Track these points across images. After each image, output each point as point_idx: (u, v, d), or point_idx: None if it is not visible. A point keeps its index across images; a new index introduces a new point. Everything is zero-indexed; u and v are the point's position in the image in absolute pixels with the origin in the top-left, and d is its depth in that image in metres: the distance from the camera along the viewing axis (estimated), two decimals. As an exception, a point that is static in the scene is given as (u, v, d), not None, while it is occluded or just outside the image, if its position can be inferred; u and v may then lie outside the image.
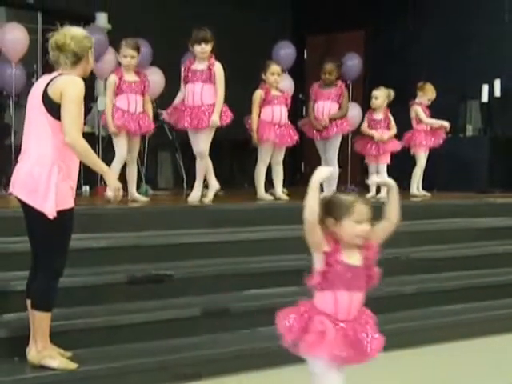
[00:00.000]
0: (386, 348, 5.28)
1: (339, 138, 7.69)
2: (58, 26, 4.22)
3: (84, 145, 4.09)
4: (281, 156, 7.36)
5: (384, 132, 7.97)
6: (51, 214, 4.02)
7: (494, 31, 9.67)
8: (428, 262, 6.49)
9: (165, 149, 9.23)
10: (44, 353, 4.23)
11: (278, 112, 7.20)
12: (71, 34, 4.17)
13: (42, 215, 4.04)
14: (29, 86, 7.22)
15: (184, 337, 4.89)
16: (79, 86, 4.09)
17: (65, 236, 4.20)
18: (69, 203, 4.14)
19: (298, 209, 6.72)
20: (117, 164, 6.53)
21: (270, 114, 7.17)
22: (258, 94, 7.19)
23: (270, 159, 7.30)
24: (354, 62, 9.74)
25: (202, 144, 6.61)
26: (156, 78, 8.26)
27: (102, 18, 8.92)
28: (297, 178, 11.11)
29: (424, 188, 8.53)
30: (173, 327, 4.92)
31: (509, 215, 7.68)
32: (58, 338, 4.36)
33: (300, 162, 11.50)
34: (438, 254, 6.61)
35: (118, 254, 5.32)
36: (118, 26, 8.68)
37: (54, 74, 4.17)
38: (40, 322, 4.20)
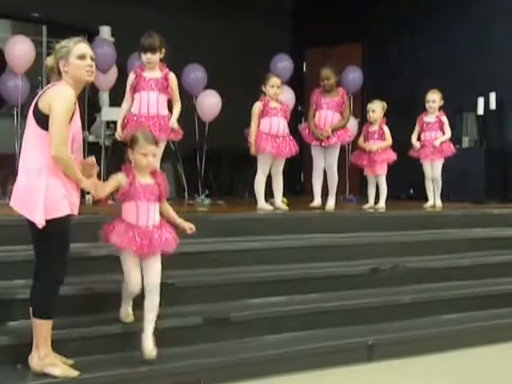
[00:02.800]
0: (383, 357, 5.40)
1: (338, 147, 7.68)
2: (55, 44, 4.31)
3: (67, 159, 4.11)
4: (280, 166, 7.40)
5: (376, 143, 8.00)
6: (40, 223, 4.08)
7: (489, 44, 9.74)
8: (425, 271, 6.51)
9: (167, 159, 9.28)
10: (46, 360, 4.26)
11: (276, 124, 7.23)
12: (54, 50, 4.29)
13: (35, 224, 4.11)
14: (33, 97, 7.32)
15: (185, 345, 4.91)
16: (66, 97, 4.11)
17: (61, 244, 4.23)
18: (62, 211, 4.15)
19: (298, 218, 6.88)
20: None
21: (268, 125, 7.22)
22: (257, 107, 7.25)
23: (269, 169, 7.36)
24: (354, 75, 9.81)
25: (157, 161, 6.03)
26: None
27: (105, 31, 8.99)
28: (296, 189, 11.19)
29: (423, 199, 8.57)
30: (174, 335, 4.93)
31: (504, 225, 7.72)
32: (59, 345, 4.39)
33: (299, 172, 11.56)
34: (435, 264, 6.63)
35: (119, 263, 5.36)
36: (121, 38, 8.75)
37: (48, 85, 4.25)
38: (41, 329, 4.23)
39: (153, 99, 6.18)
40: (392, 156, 8.04)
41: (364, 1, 10.98)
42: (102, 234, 4.68)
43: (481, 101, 9.65)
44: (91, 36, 8.27)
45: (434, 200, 8.39)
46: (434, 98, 8.30)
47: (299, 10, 11.92)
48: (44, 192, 4.08)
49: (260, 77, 7.36)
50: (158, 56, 6.21)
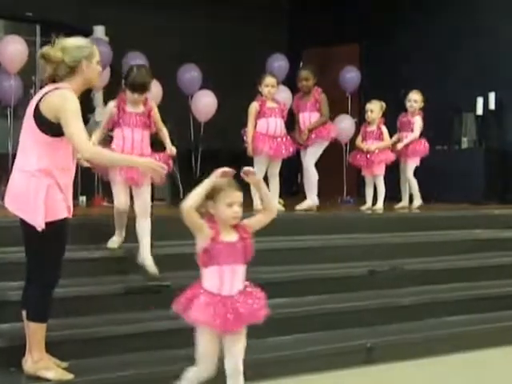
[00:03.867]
0: (382, 360, 5.35)
1: (320, 146, 7.52)
2: (54, 38, 4.21)
3: (99, 153, 4.18)
4: (277, 168, 7.35)
5: (374, 143, 7.94)
6: (40, 226, 4.04)
7: (488, 44, 9.71)
8: (423, 273, 6.47)
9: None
10: (40, 364, 4.22)
11: (274, 124, 7.19)
12: (61, 45, 4.14)
13: (31, 227, 4.06)
14: (27, 97, 7.27)
15: (181, 348, 4.77)
16: (72, 101, 4.05)
17: (56, 247, 4.19)
18: (59, 214, 4.12)
19: (296, 220, 6.81)
20: None
21: (265, 125, 7.18)
22: (253, 107, 7.21)
23: (266, 171, 7.30)
24: (352, 75, 9.81)
25: (149, 199, 5.58)
26: (154, 90, 8.27)
27: (99, 31, 8.94)
28: (293, 190, 11.12)
29: (422, 199, 8.48)
30: (170, 338, 4.88)
31: (504, 227, 7.68)
32: (54, 348, 4.35)
33: (296, 173, 11.49)
34: (434, 266, 6.60)
35: (116, 265, 5.32)
36: (115, 38, 8.70)
37: (47, 88, 4.14)
38: (34, 332, 4.19)
39: (137, 138, 5.51)
40: (390, 157, 8.00)
41: (362, 1, 10.93)
42: (178, 307, 3.96)
43: (480, 101, 9.61)
44: (85, 35, 8.21)
45: (411, 200, 8.26)
46: (415, 98, 8.20)
47: (297, 10, 11.88)
48: (44, 195, 4.04)
49: (256, 77, 7.32)
50: (147, 93, 5.59)
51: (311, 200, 7.54)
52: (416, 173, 8.22)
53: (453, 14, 10.16)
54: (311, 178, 7.54)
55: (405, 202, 8.35)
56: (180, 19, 10.44)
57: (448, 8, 10.20)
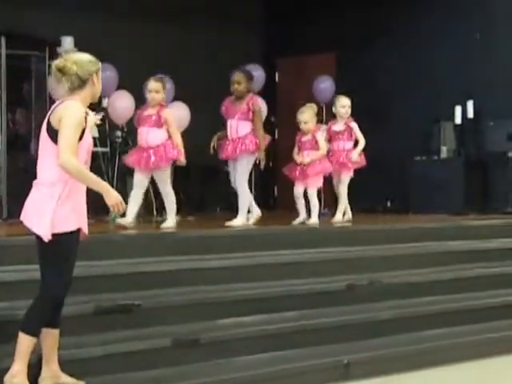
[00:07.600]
0: (361, 376, 5.24)
1: (249, 160, 7.06)
2: (62, 54, 4.27)
3: (76, 165, 4.09)
4: (159, 183, 7.00)
5: (310, 153, 7.45)
6: (46, 236, 4.08)
7: (465, 52, 9.72)
8: (403, 286, 6.40)
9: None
10: (16, 378, 4.12)
11: (144, 134, 6.87)
12: (73, 58, 4.28)
13: (40, 238, 4.12)
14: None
15: (154, 368, 4.76)
16: (77, 111, 4.15)
17: (64, 259, 4.19)
18: (69, 226, 4.16)
19: (270, 235, 6.70)
20: None
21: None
22: None
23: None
24: (326, 85, 9.77)
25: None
26: (126, 103, 8.17)
27: (67, 42, 8.82)
28: (270, 203, 11.02)
29: (400, 210, 8.36)
30: (142, 359, 4.78)
31: (484, 238, 7.63)
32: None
33: (273, 185, 11.41)
34: (413, 279, 6.53)
35: (84, 284, 5.15)
36: (84, 50, 8.55)
37: (57, 103, 4.26)
38: (20, 344, 4.11)
39: None
40: (327, 168, 7.53)
41: (337, 10, 10.90)
42: None
43: (458, 109, 9.58)
44: (53, 47, 8.04)
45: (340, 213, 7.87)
46: (345, 103, 7.78)
47: (271, 19, 11.84)
48: (54, 205, 4.11)
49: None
50: None
51: (241, 219, 7.03)
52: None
53: (429, 23, 10.17)
54: (241, 196, 7.07)
55: (348, 215, 8.00)
56: (152, 30, 10.36)
57: (424, 17, 10.22)
